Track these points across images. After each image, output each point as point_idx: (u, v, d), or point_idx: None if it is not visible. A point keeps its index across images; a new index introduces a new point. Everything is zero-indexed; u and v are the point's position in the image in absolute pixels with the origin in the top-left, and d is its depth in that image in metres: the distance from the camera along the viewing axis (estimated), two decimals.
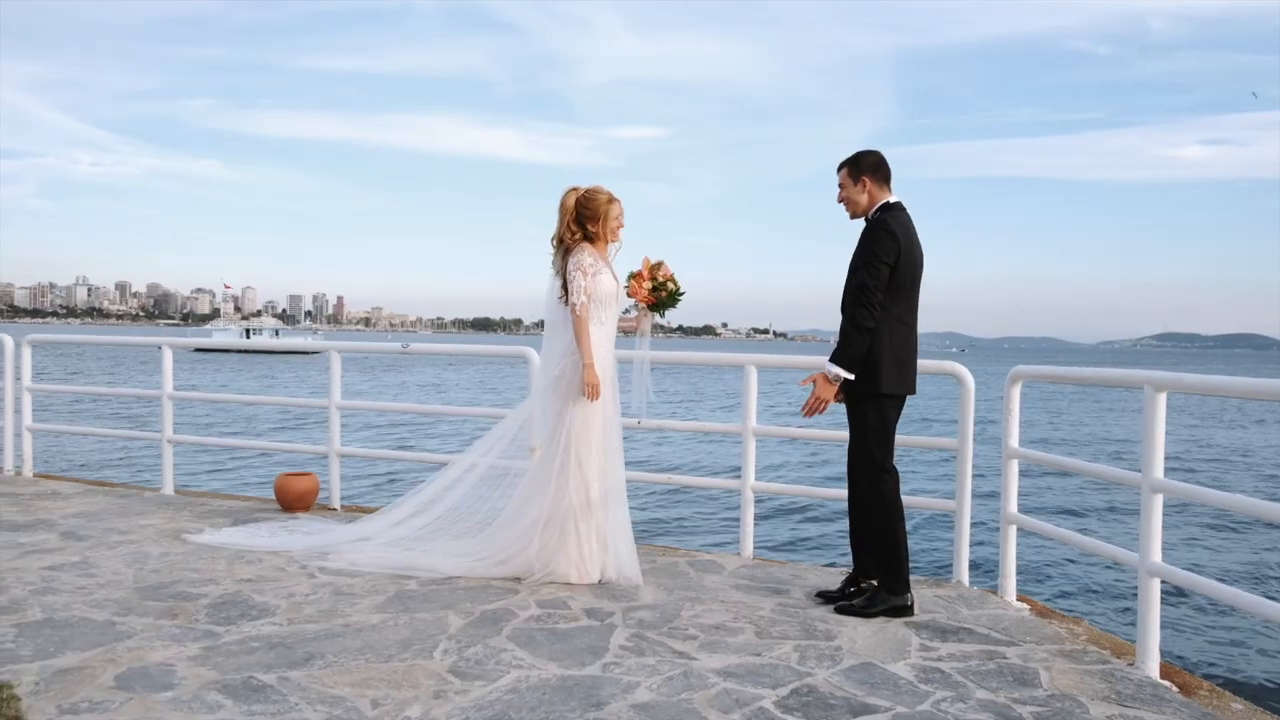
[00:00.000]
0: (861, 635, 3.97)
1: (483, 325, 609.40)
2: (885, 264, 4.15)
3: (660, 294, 4.71)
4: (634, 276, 4.74)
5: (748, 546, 5.36)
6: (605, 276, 4.63)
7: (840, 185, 4.37)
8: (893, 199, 4.31)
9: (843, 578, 4.56)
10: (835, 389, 4.22)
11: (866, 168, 4.31)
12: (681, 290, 4.73)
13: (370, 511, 6.46)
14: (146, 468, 16.27)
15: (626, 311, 4.85)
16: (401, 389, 38.65)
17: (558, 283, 4.68)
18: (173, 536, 5.47)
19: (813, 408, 4.27)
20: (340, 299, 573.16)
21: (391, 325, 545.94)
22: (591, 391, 4.51)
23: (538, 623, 4.03)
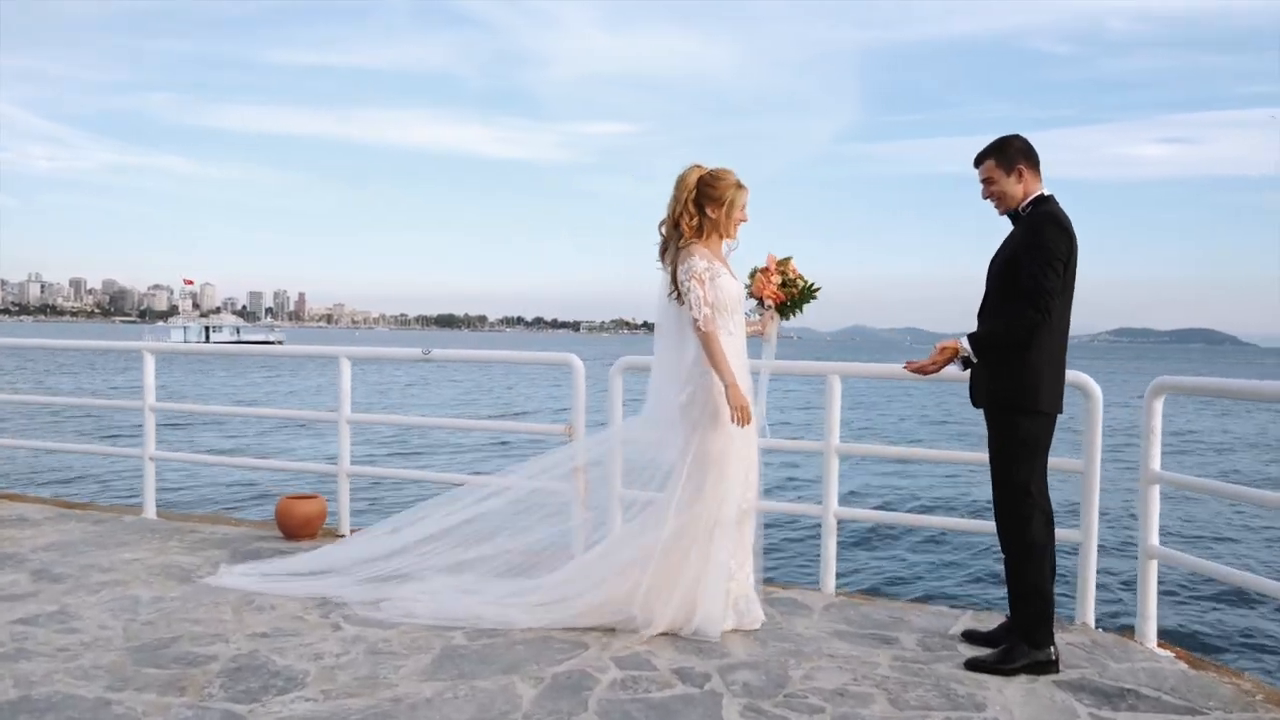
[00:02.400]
0: (1014, 701, 3.33)
1: (446, 322, 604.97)
2: (1061, 262, 3.55)
3: (791, 291, 4.03)
4: (760, 272, 4.07)
5: (829, 581, 4.70)
6: (726, 279, 3.94)
7: (987, 179, 3.76)
8: (1045, 190, 3.71)
9: (999, 622, 3.96)
10: (947, 362, 3.73)
11: (1018, 154, 3.70)
12: (816, 286, 4.05)
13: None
14: (124, 483, 14.46)
15: (748, 315, 4.18)
16: (423, 399, 35.44)
17: (668, 277, 4.00)
18: (164, 574, 4.70)
19: (923, 367, 3.77)
20: (302, 295, 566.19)
21: (354, 322, 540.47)
22: (742, 415, 3.82)
23: (625, 690, 3.35)
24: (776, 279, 3.99)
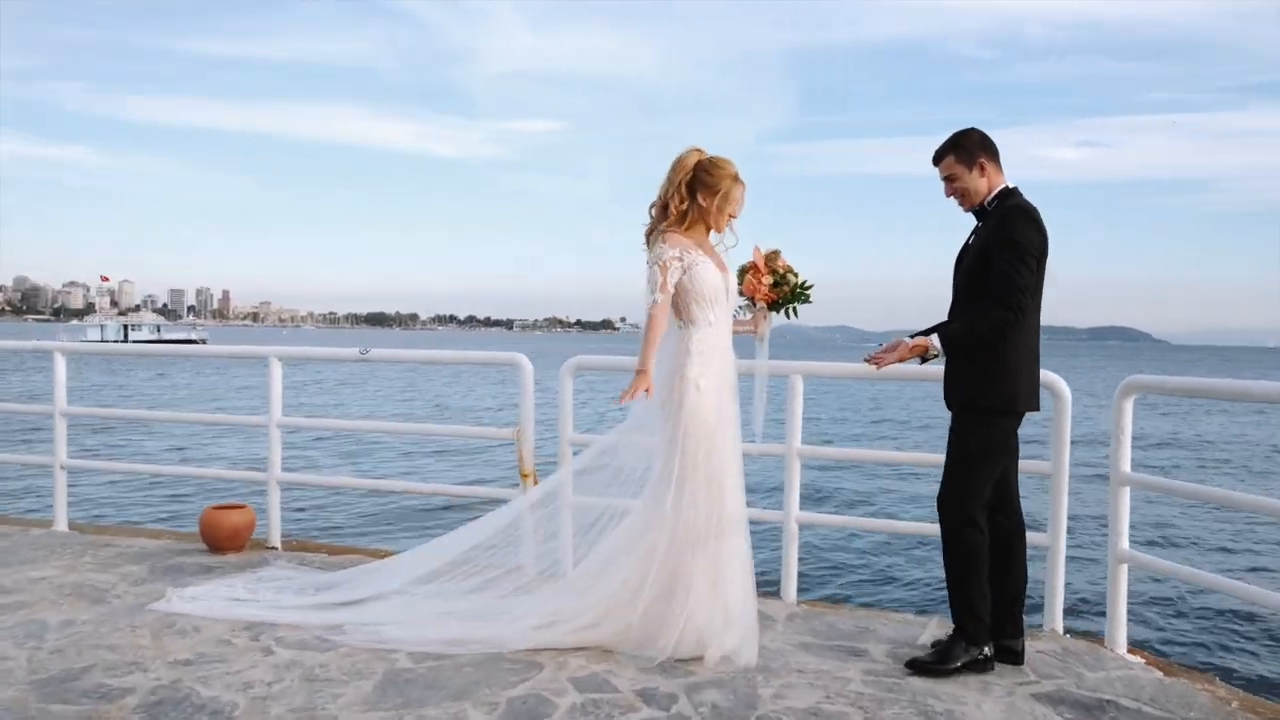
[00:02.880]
0: (993, 716, 3.18)
1: (377, 320, 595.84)
2: (1034, 257, 3.43)
3: (783, 289, 3.82)
4: (749, 270, 3.85)
5: (791, 589, 4.52)
6: (705, 268, 3.70)
7: (949, 177, 3.63)
8: (1009, 184, 3.59)
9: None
10: (912, 355, 3.57)
11: (978, 148, 3.58)
12: (809, 283, 3.85)
13: (316, 550, 5.41)
14: (32, 494, 13.21)
15: (738, 313, 3.96)
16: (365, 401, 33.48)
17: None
18: (75, 594, 4.32)
19: (885, 360, 3.60)
20: (226, 293, 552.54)
21: (281, 320, 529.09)
22: (629, 394, 3.62)
23: (585, 715, 3.11)
24: (768, 279, 3.79)
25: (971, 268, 3.59)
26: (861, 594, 7.73)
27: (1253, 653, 6.32)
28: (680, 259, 3.65)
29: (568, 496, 4.31)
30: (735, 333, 3.88)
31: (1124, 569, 3.96)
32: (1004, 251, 3.43)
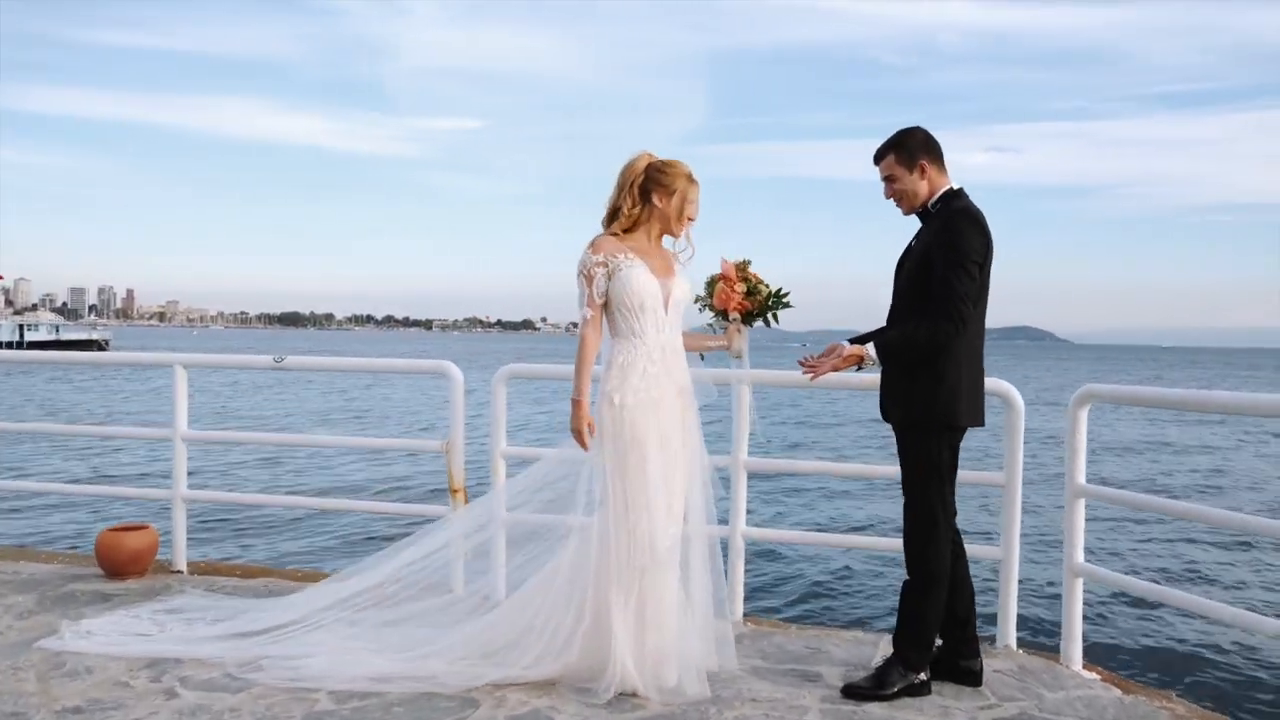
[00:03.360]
0: None
1: (291, 320, 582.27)
2: (976, 264, 3.28)
3: (755, 299, 3.59)
4: (719, 280, 3.61)
5: (738, 608, 4.33)
6: (635, 271, 3.40)
7: (889, 177, 3.46)
8: (954, 185, 3.44)
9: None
10: (847, 365, 3.39)
11: (920, 149, 3.42)
12: (785, 291, 3.62)
13: (228, 573, 5.03)
14: None
15: (711, 327, 3.72)
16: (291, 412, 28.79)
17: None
18: None
19: (819, 370, 3.41)
20: (130, 292, 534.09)
21: (189, 320, 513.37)
22: (577, 439, 3.42)
23: None
24: (741, 287, 3.56)
25: (914, 272, 3.42)
26: (804, 606, 7.53)
27: (1207, 667, 6.36)
28: (605, 264, 3.41)
29: (501, 516, 4.04)
30: (706, 349, 3.66)
31: (1079, 583, 3.87)
32: (946, 257, 3.27)
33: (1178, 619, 6.85)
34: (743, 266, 3.58)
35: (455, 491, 4.64)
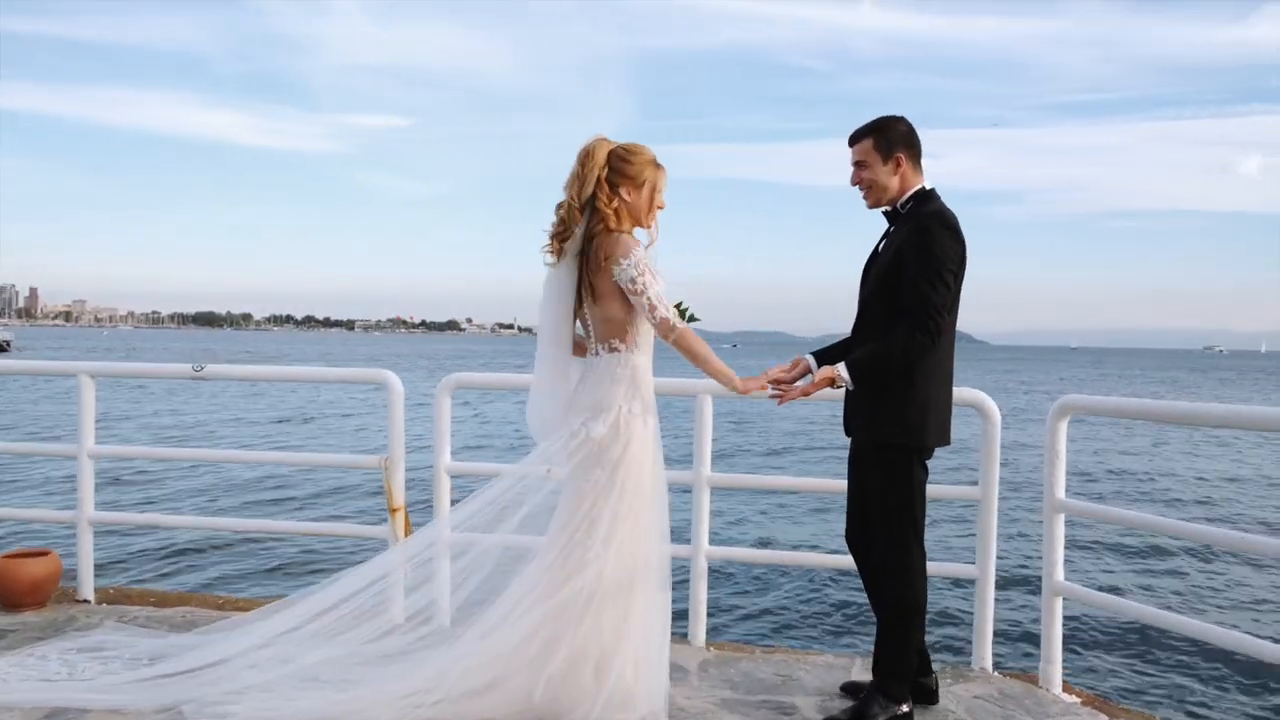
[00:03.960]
0: None
1: (206, 320, 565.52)
2: (951, 273, 3.07)
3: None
4: None
5: (700, 632, 4.08)
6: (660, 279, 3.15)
7: (860, 163, 3.24)
8: (927, 184, 3.24)
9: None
10: (818, 389, 3.24)
11: (900, 141, 3.20)
12: (683, 304, 3.27)
13: (141, 602, 4.61)
14: None
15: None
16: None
17: (571, 281, 3.19)
18: None
19: (787, 396, 3.26)
20: (34, 291, 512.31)
21: (98, 320, 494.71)
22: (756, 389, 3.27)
23: None
24: None
25: (883, 279, 3.20)
26: (764, 624, 7.26)
27: (1192, 689, 6.30)
28: (650, 260, 3.14)
29: (446, 536, 3.72)
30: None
31: (1059, 602, 3.71)
32: (920, 264, 3.05)
33: (1160, 638, 6.76)
34: None
35: (395, 510, 4.30)
